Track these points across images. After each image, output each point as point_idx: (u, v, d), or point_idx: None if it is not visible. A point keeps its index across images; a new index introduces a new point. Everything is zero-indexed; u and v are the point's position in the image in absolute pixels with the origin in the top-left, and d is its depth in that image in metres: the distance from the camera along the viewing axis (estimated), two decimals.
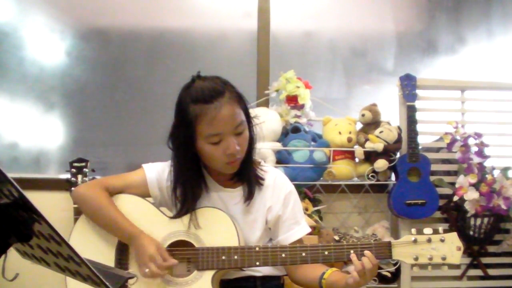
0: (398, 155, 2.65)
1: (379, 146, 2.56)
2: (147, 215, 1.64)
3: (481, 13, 3.19)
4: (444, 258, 1.51)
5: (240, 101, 1.57)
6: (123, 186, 1.68)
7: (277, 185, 1.70)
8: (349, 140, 2.61)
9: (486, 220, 2.59)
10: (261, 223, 1.67)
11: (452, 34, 3.16)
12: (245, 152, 1.60)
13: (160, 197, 1.70)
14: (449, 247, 1.51)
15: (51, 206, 2.45)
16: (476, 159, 2.56)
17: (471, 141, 2.61)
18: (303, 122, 2.61)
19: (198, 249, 1.58)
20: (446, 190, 2.65)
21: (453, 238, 1.52)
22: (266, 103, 2.76)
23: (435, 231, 1.53)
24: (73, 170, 2.37)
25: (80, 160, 2.39)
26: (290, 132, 2.58)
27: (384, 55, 3.11)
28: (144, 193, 1.69)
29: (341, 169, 2.61)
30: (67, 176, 2.38)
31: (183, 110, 1.54)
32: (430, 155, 2.69)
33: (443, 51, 3.15)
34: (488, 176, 2.51)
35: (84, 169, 2.37)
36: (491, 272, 2.72)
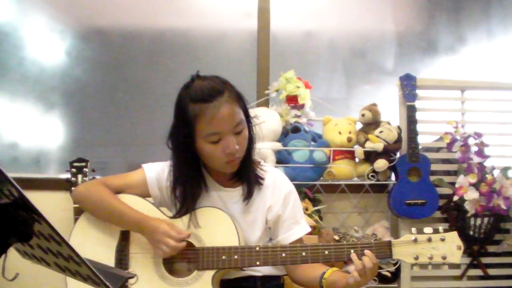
0: (398, 155, 2.65)
1: (379, 146, 2.56)
2: (147, 215, 1.64)
3: (481, 13, 3.19)
4: (444, 258, 1.51)
5: (240, 100, 1.57)
6: (123, 186, 1.68)
7: (277, 185, 1.70)
8: (349, 140, 2.61)
9: (486, 220, 2.59)
10: (261, 223, 1.67)
11: (452, 34, 3.16)
12: (244, 152, 1.60)
13: (160, 197, 1.70)
14: (449, 246, 1.51)
15: (51, 206, 2.45)
16: (476, 159, 2.56)
17: (471, 141, 2.61)
18: (303, 122, 2.61)
19: (198, 249, 1.59)
20: (446, 190, 2.65)
21: (454, 238, 1.52)
22: (266, 103, 2.75)
23: (436, 231, 1.53)
24: (73, 170, 2.37)
25: (80, 160, 2.38)
26: (290, 132, 2.58)
27: (384, 55, 3.11)
28: (144, 193, 1.69)
29: (341, 169, 2.61)
30: (67, 176, 2.38)
31: (183, 109, 1.54)
32: (430, 155, 2.69)
33: (443, 51, 3.15)
34: (488, 176, 2.51)
35: (84, 169, 2.37)
36: (491, 272, 2.72)
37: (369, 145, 2.58)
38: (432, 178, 2.64)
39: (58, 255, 0.89)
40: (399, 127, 2.65)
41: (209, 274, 1.57)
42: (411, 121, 2.63)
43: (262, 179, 1.68)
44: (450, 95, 2.88)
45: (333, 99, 2.92)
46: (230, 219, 1.61)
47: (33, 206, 0.81)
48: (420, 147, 2.66)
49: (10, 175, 0.78)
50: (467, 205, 2.51)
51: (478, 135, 2.61)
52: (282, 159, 2.54)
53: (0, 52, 2.77)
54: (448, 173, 2.76)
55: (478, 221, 2.58)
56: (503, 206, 2.49)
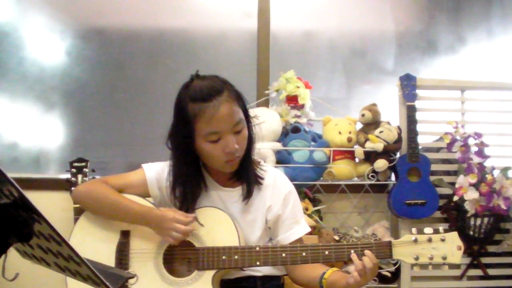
0: (398, 155, 2.65)
1: (379, 146, 2.56)
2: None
3: (481, 13, 3.19)
4: (444, 258, 1.51)
5: (239, 100, 1.58)
6: (122, 185, 1.68)
7: (276, 185, 1.70)
8: (349, 140, 2.61)
9: (486, 220, 2.59)
10: (261, 223, 1.67)
11: (452, 34, 3.16)
12: (244, 151, 1.60)
13: (160, 197, 1.70)
14: (449, 246, 1.51)
15: (51, 206, 2.45)
16: (476, 159, 2.56)
17: (471, 141, 2.61)
18: (303, 122, 2.61)
19: (198, 249, 1.59)
20: (446, 190, 2.65)
21: (454, 238, 1.52)
22: (266, 103, 2.75)
23: (436, 231, 1.53)
24: (73, 170, 2.37)
25: (80, 160, 2.39)
26: (290, 132, 2.58)
27: (384, 55, 3.11)
28: (144, 193, 1.69)
29: (341, 169, 2.61)
30: (67, 176, 2.38)
31: (182, 109, 1.54)
32: (430, 155, 2.69)
33: (443, 51, 3.15)
34: (488, 176, 2.51)
35: (84, 169, 2.37)
36: (491, 272, 2.72)
37: (369, 145, 2.58)
38: (432, 178, 2.64)
39: (58, 255, 0.89)
40: (399, 127, 2.65)
41: (209, 274, 1.57)
42: (411, 121, 2.63)
43: (262, 179, 1.68)
44: (450, 95, 2.88)
45: (333, 99, 2.92)
46: (230, 219, 1.61)
47: (33, 206, 0.81)
48: (420, 147, 2.66)
49: (10, 175, 0.78)
50: (467, 205, 2.51)
51: (478, 135, 2.61)
52: (282, 159, 2.54)
53: (0, 52, 2.77)
54: (448, 173, 2.76)
55: (478, 221, 2.58)
56: (503, 206, 2.49)
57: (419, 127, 2.64)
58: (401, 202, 2.58)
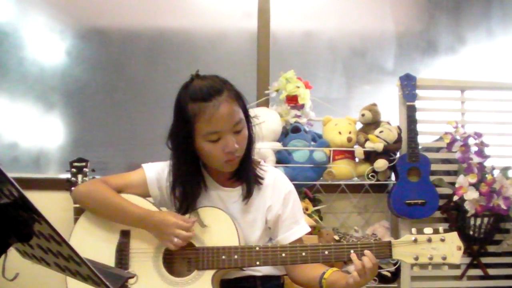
0: (398, 155, 2.65)
1: (379, 146, 2.56)
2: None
3: (481, 13, 3.19)
4: (444, 258, 1.51)
5: (239, 99, 1.58)
6: (123, 185, 1.68)
7: (276, 185, 1.70)
8: (349, 140, 2.61)
9: (486, 220, 2.59)
10: (260, 223, 1.67)
11: (452, 34, 3.16)
12: (244, 151, 1.60)
13: (160, 197, 1.70)
14: (449, 246, 1.51)
15: (51, 206, 2.45)
16: (476, 159, 2.56)
17: (471, 141, 2.61)
18: (303, 122, 2.61)
19: (198, 249, 1.59)
20: (446, 190, 2.65)
21: (454, 238, 1.52)
22: (266, 103, 2.75)
23: (435, 231, 1.53)
24: (73, 170, 2.37)
25: (80, 160, 2.39)
26: (290, 132, 2.58)
27: (384, 55, 3.11)
28: (144, 193, 1.69)
29: (341, 169, 2.61)
30: (67, 176, 2.38)
31: (182, 108, 1.54)
32: (430, 155, 2.69)
33: (443, 51, 3.15)
34: (488, 176, 2.51)
35: (84, 169, 2.37)
36: (491, 272, 2.72)
37: (369, 145, 2.58)
38: (432, 178, 2.64)
39: (58, 255, 0.89)
40: (399, 127, 2.65)
41: (209, 274, 1.57)
42: (411, 121, 2.63)
43: (262, 178, 1.68)
44: (450, 95, 2.88)
45: (333, 99, 2.92)
46: (230, 219, 1.61)
47: (33, 206, 0.81)
48: (420, 147, 2.66)
49: (10, 175, 0.78)
50: (467, 205, 2.51)
51: (478, 135, 2.61)
52: (282, 159, 2.54)
53: (0, 52, 2.77)
54: (448, 173, 2.76)
55: (478, 221, 2.58)
56: (503, 206, 2.49)
57: (419, 127, 2.64)
58: (401, 202, 2.58)
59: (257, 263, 1.56)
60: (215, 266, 1.57)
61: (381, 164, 2.56)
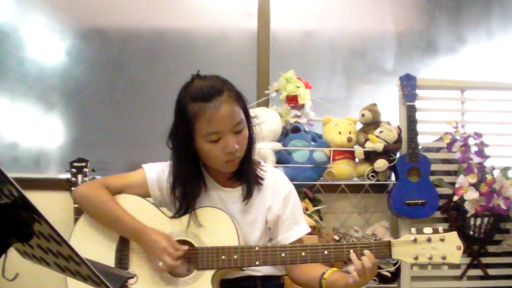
0: (398, 155, 2.65)
1: (379, 146, 2.56)
2: (148, 215, 1.64)
3: (481, 13, 3.19)
4: (444, 258, 1.51)
5: (239, 100, 1.57)
6: (123, 185, 1.68)
7: (277, 185, 1.70)
8: (349, 140, 2.61)
9: (486, 220, 2.59)
10: (261, 223, 1.67)
11: (452, 34, 3.16)
12: (244, 151, 1.60)
13: (160, 197, 1.70)
14: (449, 246, 1.51)
15: (51, 206, 2.45)
16: (476, 159, 2.56)
17: (471, 141, 2.61)
18: (303, 122, 2.61)
19: (198, 249, 1.59)
20: (446, 190, 2.65)
21: (453, 238, 1.52)
22: (266, 103, 2.76)
23: (435, 231, 1.53)
24: (73, 170, 2.37)
25: (80, 160, 2.39)
26: (290, 132, 2.58)
27: (384, 55, 3.11)
28: (144, 193, 1.69)
29: (341, 169, 2.61)
30: (67, 176, 2.38)
31: (182, 108, 1.54)
32: (430, 155, 2.69)
33: (443, 51, 3.15)
34: (488, 176, 2.51)
35: (84, 169, 2.37)
36: (491, 272, 2.72)
37: (369, 145, 2.58)
38: (432, 178, 2.64)
39: (58, 255, 0.89)
40: (399, 127, 2.65)
41: (208, 274, 1.57)
42: (411, 121, 2.63)
43: (262, 179, 1.68)
44: (450, 95, 2.88)
45: (333, 99, 2.92)
46: (230, 219, 1.61)
47: (33, 206, 0.81)
48: (420, 147, 2.66)
49: (10, 175, 0.78)
50: (467, 205, 2.51)
51: (478, 135, 2.61)
52: (282, 159, 2.54)
53: (0, 52, 2.77)
54: (448, 173, 2.76)
55: (478, 221, 2.58)
56: (503, 206, 2.49)
57: (419, 127, 2.64)
58: (401, 202, 2.59)
59: (257, 263, 1.56)
60: (214, 266, 1.57)
61: (381, 164, 2.56)
